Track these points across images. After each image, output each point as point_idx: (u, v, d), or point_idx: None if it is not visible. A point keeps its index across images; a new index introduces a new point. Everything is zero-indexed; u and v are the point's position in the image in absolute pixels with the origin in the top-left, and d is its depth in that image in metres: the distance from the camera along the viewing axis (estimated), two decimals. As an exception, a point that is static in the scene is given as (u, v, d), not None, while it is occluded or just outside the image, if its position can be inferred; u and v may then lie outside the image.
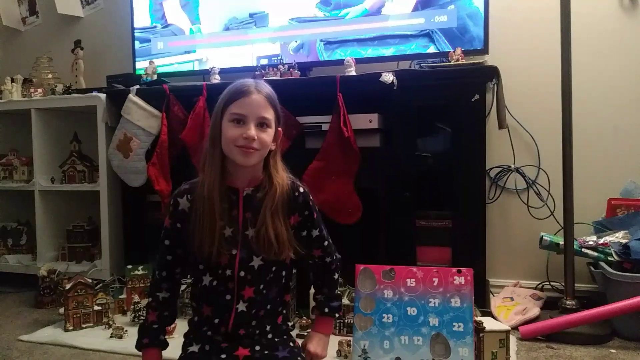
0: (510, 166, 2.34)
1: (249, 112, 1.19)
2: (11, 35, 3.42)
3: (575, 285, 1.96)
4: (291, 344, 1.31)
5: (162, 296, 1.28)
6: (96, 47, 3.11)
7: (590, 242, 2.02)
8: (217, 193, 1.20)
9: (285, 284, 1.32)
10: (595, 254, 1.99)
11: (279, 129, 1.27)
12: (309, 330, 1.85)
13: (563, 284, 2.01)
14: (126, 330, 1.95)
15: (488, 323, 1.58)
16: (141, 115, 2.42)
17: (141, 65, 2.73)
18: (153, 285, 1.30)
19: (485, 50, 2.18)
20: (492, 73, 2.02)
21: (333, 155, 2.11)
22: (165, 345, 1.29)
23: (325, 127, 2.15)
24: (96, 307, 2.07)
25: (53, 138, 2.77)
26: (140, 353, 1.28)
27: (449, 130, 2.14)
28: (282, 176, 1.26)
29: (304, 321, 1.92)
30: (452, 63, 2.07)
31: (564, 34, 1.93)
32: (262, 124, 1.20)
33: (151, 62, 2.62)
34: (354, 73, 2.18)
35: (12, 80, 2.87)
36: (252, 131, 1.18)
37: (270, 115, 1.21)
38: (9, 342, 1.93)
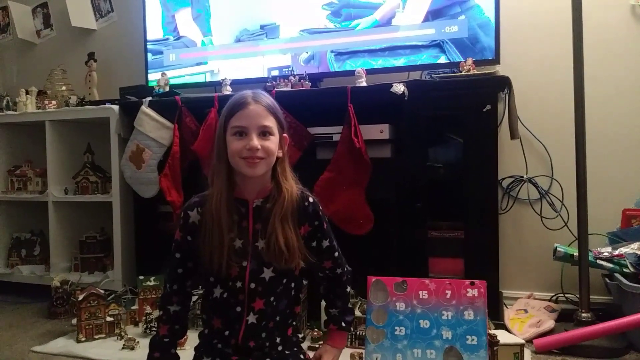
0: (522, 176, 2.32)
1: (249, 123, 1.20)
2: (26, 48, 3.47)
3: (590, 297, 1.93)
4: (302, 356, 1.31)
5: (173, 309, 1.28)
6: (109, 59, 3.15)
7: (605, 254, 1.99)
8: (224, 206, 1.20)
9: (295, 295, 1.32)
10: (611, 265, 1.96)
11: (285, 135, 1.27)
12: (320, 342, 1.85)
13: (578, 295, 1.98)
14: (138, 342, 1.95)
15: (502, 336, 1.56)
16: (153, 126, 2.44)
17: (154, 77, 2.76)
18: (164, 298, 1.30)
19: (496, 60, 2.17)
20: (504, 83, 2.01)
21: (344, 165, 2.11)
22: (176, 359, 1.28)
23: (336, 137, 2.15)
24: (108, 318, 2.07)
25: (67, 149, 2.79)
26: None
27: (460, 140, 2.13)
28: (291, 183, 1.26)
29: (315, 333, 1.90)
30: (463, 73, 2.07)
31: (575, 43, 1.91)
32: (264, 133, 1.21)
33: (163, 74, 2.65)
34: (364, 84, 2.19)
35: (27, 93, 2.91)
36: (254, 141, 1.18)
37: (271, 123, 1.22)
38: (22, 353, 1.94)
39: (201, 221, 1.24)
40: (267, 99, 1.25)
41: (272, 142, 1.22)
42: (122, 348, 1.93)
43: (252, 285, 1.22)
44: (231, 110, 1.22)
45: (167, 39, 2.80)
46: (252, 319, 1.23)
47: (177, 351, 1.29)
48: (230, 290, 1.23)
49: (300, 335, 1.87)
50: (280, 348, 1.27)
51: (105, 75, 3.08)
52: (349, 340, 1.85)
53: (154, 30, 2.83)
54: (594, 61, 2.10)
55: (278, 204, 1.22)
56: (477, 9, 2.20)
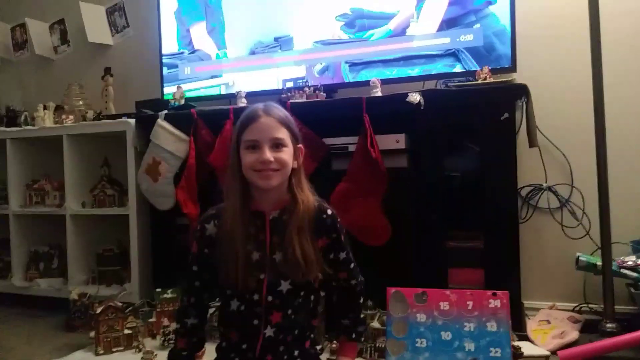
0: (542, 185, 2.29)
1: (261, 137, 1.20)
2: (43, 64, 3.52)
3: (615, 307, 1.89)
4: (320, 368, 1.29)
5: (191, 322, 1.28)
6: (125, 73, 3.18)
7: (629, 263, 1.95)
8: (239, 219, 1.21)
9: (313, 308, 1.30)
10: (635, 274, 1.92)
11: (299, 146, 1.27)
12: (340, 355, 1.82)
13: (601, 306, 1.94)
14: (156, 355, 1.94)
15: (526, 348, 1.53)
16: (169, 139, 2.45)
17: (169, 90, 2.78)
18: (181, 311, 1.30)
19: (513, 68, 2.15)
20: (522, 91, 1.99)
21: (360, 176, 2.10)
22: None
23: (351, 148, 2.14)
24: (126, 331, 2.07)
25: (84, 163, 2.82)
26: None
27: (477, 149, 2.11)
28: (307, 194, 1.26)
29: (334, 345, 1.88)
30: (479, 82, 2.05)
31: (594, 49, 1.89)
32: (276, 145, 1.21)
33: (179, 87, 2.66)
34: (379, 94, 2.18)
35: (45, 107, 2.95)
36: (266, 154, 1.19)
37: (283, 134, 1.22)
38: (40, 366, 1.95)
39: (218, 234, 1.24)
40: (279, 110, 1.25)
41: (286, 154, 1.22)
42: (140, 361, 1.93)
43: (270, 298, 1.21)
44: (243, 124, 1.24)
45: (182, 52, 2.82)
46: (269, 332, 1.22)
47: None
48: (248, 303, 1.22)
49: (319, 347, 1.85)
50: (298, 361, 1.26)
51: (121, 90, 3.11)
52: (368, 352, 1.82)
53: (169, 44, 2.85)
54: (613, 67, 2.06)
55: (294, 215, 1.22)
56: (492, 17, 2.19)
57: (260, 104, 1.26)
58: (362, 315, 1.37)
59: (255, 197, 1.25)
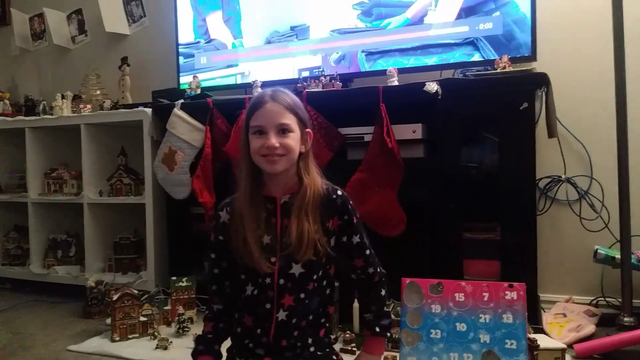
0: (560, 176, 2.26)
1: (267, 122, 1.22)
2: (61, 54, 3.55)
3: (633, 300, 1.86)
4: (334, 357, 1.29)
5: (217, 307, 1.31)
6: (142, 63, 3.20)
7: (649, 256, 1.92)
8: (248, 203, 1.23)
9: (329, 295, 1.30)
10: (655, 268, 1.89)
11: (308, 130, 1.27)
12: (352, 345, 1.83)
13: (619, 299, 1.92)
14: (171, 342, 1.96)
15: (542, 340, 1.51)
16: (185, 128, 2.46)
17: (185, 80, 2.78)
18: (208, 297, 1.33)
19: (533, 57, 2.11)
20: (542, 80, 1.96)
21: (376, 166, 2.09)
22: (219, 356, 1.29)
23: (367, 138, 2.13)
24: (142, 318, 2.09)
25: (101, 152, 2.84)
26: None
27: (496, 139, 2.08)
28: (313, 177, 1.26)
29: (347, 335, 1.88)
30: (498, 71, 2.02)
31: (616, 39, 1.85)
32: (283, 130, 1.22)
33: (195, 77, 2.67)
34: (396, 83, 2.16)
35: (63, 97, 2.97)
36: (272, 140, 1.20)
37: (289, 120, 1.23)
38: (57, 352, 1.98)
39: (230, 220, 1.26)
40: (286, 96, 1.25)
41: (292, 139, 1.23)
42: (156, 348, 1.94)
43: (282, 282, 1.22)
44: (251, 110, 1.25)
45: (199, 42, 2.82)
46: (282, 315, 1.22)
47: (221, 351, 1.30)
48: (260, 287, 1.23)
49: (333, 337, 1.85)
50: (312, 349, 1.26)
51: (138, 79, 3.13)
52: (383, 343, 1.82)
53: (186, 33, 2.85)
54: (635, 57, 2.02)
55: (298, 198, 1.23)
56: (512, 5, 2.15)
57: (269, 89, 1.27)
58: (386, 308, 1.34)
59: (267, 182, 1.27)
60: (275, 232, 1.23)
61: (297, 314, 1.23)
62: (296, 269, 1.22)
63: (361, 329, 1.38)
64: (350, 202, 1.29)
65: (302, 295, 1.23)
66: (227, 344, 1.32)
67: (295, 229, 1.20)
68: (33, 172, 2.97)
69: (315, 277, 1.25)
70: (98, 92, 3.10)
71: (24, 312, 2.55)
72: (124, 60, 3.14)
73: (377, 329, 1.31)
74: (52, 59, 3.60)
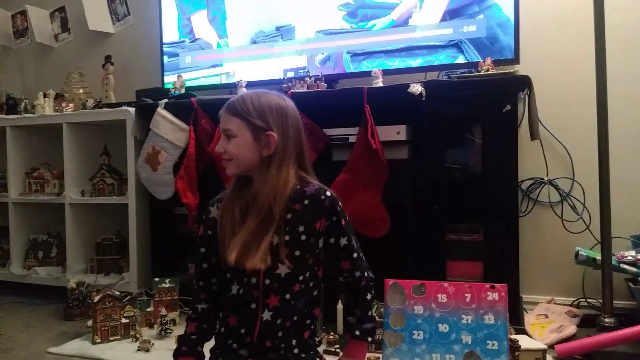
0: (543, 178, 2.28)
1: (220, 128, 1.27)
2: (44, 52, 3.51)
3: (614, 302, 1.88)
4: (318, 359, 1.28)
5: (201, 307, 1.30)
6: (126, 62, 3.17)
7: (629, 257, 1.94)
8: (231, 202, 1.25)
9: (316, 297, 1.29)
10: (635, 269, 1.91)
11: (269, 133, 1.23)
12: (336, 346, 1.83)
13: (600, 300, 1.93)
14: (153, 344, 1.94)
15: (523, 341, 1.52)
16: (169, 128, 2.44)
17: (169, 79, 2.77)
18: (193, 295, 1.32)
19: (516, 60, 2.13)
20: (524, 83, 1.97)
21: (360, 167, 2.09)
22: (202, 357, 1.29)
23: (352, 139, 2.13)
24: (124, 320, 2.07)
25: (83, 152, 2.81)
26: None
27: (479, 141, 2.09)
28: (282, 174, 1.23)
29: (331, 337, 1.88)
30: (482, 73, 2.03)
31: (598, 42, 1.87)
32: (228, 136, 1.24)
33: (179, 76, 2.65)
34: (381, 84, 2.16)
35: (45, 95, 2.93)
36: (217, 146, 1.26)
37: (232, 125, 1.24)
38: (37, 354, 1.95)
39: (220, 216, 1.27)
40: (237, 102, 1.25)
41: (234, 144, 1.23)
42: (137, 350, 1.92)
43: (267, 282, 1.21)
44: None
45: (183, 41, 2.81)
46: (266, 316, 1.21)
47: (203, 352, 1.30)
48: (246, 286, 1.23)
49: (317, 339, 1.84)
50: (296, 351, 1.25)
51: (121, 78, 3.10)
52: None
53: (170, 33, 2.83)
54: (616, 60, 2.05)
55: (259, 198, 1.22)
56: (495, 8, 2.17)
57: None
58: (370, 313, 1.32)
59: (255, 183, 1.27)
60: None
61: (282, 314, 1.22)
62: (282, 270, 1.22)
63: (344, 333, 1.37)
64: (339, 204, 1.28)
65: (288, 296, 1.22)
66: (210, 344, 1.31)
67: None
68: (14, 171, 2.93)
69: (301, 277, 1.24)
70: (81, 90, 3.06)
71: (4, 313, 2.51)
72: (108, 58, 3.11)
73: (358, 332, 1.28)
74: (34, 57, 3.56)
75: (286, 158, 1.25)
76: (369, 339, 1.31)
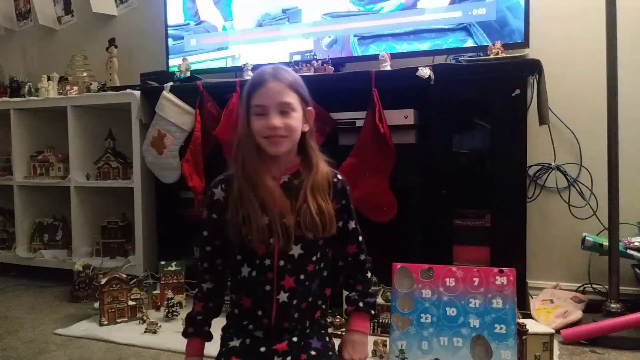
0: (550, 164, 2.27)
1: (268, 102, 1.17)
2: (47, 34, 3.48)
3: (620, 287, 1.88)
4: (327, 338, 1.28)
5: (206, 287, 1.29)
6: (130, 45, 3.14)
7: (636, 243, 1.94)
8: (252, 183, 1.19)
9: (327, 277, 1.29)
10: (642, 255, 1.91)
11: (309, 108, 1.23)
12: (342, 329, 1.83)
13: (606, 286, 1.94)
14: (160, 326, 1.95)
15: (531, 326, 1.52)
16: (175, 112, 2.43)
17: (174, 62, 2.74)
18: (198, 276, 1.31)
19: (525, 44, 2.11)
20: (534, 67, 1.95)
21: (367, 151, 2.08)
22: (209, 337, 1.28)
23: (359, 123, 2.11)
24: (131, 302, 2.08)
25: (88, 135, 2.80)
26: (183, 344, 1.28)
27: (487, 126, 2.08)
28: (319, 156, 1.24)
29: (337, 320, 1.88)
30: (491, 57, 2.01)
31: (609, 27, 1.85)
32: (285, 110, 1.18)
33: (184, 59, 2.63)
34: (389, 68, 2.14)
35: (49, 79, 2.92)
36: (274, 120, 1.16)
37: (291, 99, 1.18)
38: (45, 335, 1.96)
39: (226, 198, 1.23)
40: (288, 74, 1.21)
41: (294, 119, 1.19)
42: (145, 332, 1.94)
43: (281, 263, 1.20)
44: (251, 89, 1.21)
45: (188, 24, 2.78)
46: (283, 297, 1.20)
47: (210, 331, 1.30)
48: (259, 268, 1.21)
49: (328, 320, 1.85)
50: (308, 331, 1.25)
51: (126, 61, 3.08)
52: (372, 327, 1.82)
53: (175, 15, 2.81)
54: (627, 45, 2.02)
55: (310, 176, 1.20)
56: (505, -9, 2.14)
57: (270, 66, 1.23)
58: (371, 290, 1.33)
59: (267, 161, 1.23)
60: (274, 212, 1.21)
61: (298, 295, 1.22)
62: (295, 250, 1.21)
63: (346, 311, 1.36)
64: (348, 188, 1.29)
65: (302, 277, 1.22)
66: (221, 322, 1.31)
67: (313, 207, 1.17)
68: (18, 154, 2.92)
69: (314, 258, 1.23)
70: (85, 74, 3.05)
71: (10, 296, 2.52)
72: (112, 41, 3.08)
73: (362, 304, 1.28)
74: (37, 40, 3.53)
75: (313, 136, 1.25)
76: (372, 311, 1.32)
